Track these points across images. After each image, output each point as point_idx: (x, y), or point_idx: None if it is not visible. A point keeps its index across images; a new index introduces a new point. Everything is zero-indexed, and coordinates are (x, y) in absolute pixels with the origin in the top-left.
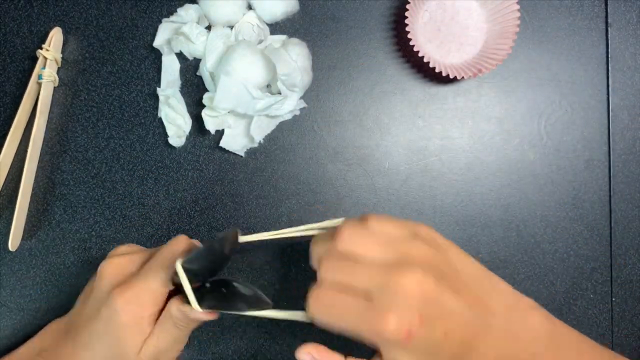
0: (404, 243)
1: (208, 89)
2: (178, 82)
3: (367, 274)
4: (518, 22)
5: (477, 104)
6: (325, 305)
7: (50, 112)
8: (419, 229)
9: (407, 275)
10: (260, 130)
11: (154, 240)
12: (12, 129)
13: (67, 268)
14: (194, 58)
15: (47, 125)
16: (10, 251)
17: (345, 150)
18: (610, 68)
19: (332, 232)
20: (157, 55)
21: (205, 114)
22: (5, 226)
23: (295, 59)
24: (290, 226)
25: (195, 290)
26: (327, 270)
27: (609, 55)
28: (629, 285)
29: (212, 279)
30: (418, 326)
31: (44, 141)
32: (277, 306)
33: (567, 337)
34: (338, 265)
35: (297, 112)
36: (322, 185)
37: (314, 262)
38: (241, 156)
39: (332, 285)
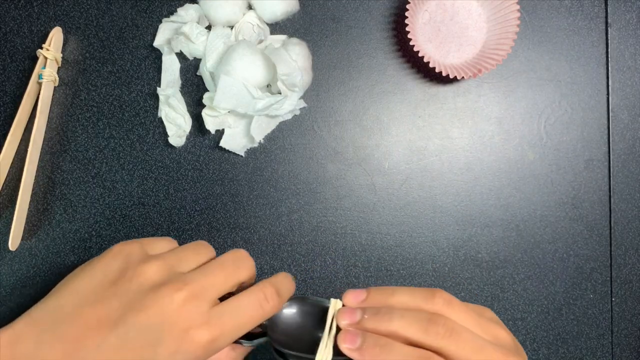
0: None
1: (208, 88)
2: (178, 82)
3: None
4: (518, 22)
5: (477, 104)
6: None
7: (51, 111)
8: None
9: None
10: (260, 130)
11: None
12: (12, 129)
13: (67, 268)
14: (194, 58)
15: (47, 125)
16: (10, 251)
17: (345, 150)
18: (610, 68)
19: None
20: (157, 55)
21: (205, 113)
22: (5, 226)
23: (295, 59)
24: (292, 228)
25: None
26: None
27: (609, 56)
28: (628, 285)
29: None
30: None
31: (44, 141)
32: None
33: None
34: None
35: (297, 112)
36: (322, 185)
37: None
38: (241, 156)
39: None
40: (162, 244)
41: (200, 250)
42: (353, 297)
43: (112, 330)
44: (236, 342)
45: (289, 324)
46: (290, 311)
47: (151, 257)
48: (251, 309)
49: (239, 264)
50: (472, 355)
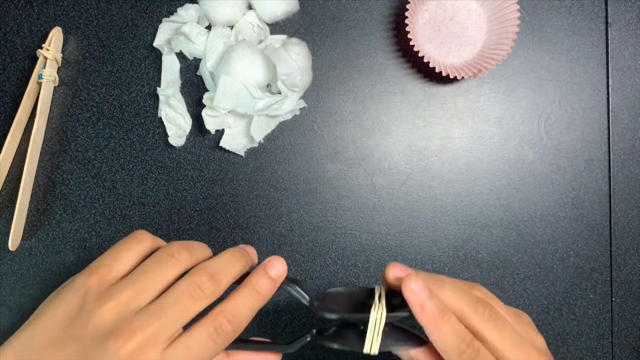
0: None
1: (208, 88)
2: (178, 82)
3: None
4: (518, 22)
5: (477, 104)
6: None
7: (50, 111)
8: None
9: None
10: (260, 130)
11: None
12: (12, 129)
13: (67, 268)
14: (194, 58)
15: (47, 125)
16: (10, 251)
17: (345, 150)
18: (610, 68)
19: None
20: (157, 55)
21: (205, 113)
22: (5, 226)
23: (295, 59)
24: (292, 228)
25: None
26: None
27: (609, 55)
28: (628, 285)
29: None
30: None
31: (44, 141)
32: (276, 305)
33: None
34: None
35: (297, 112)
36: (322, 185)
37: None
38: (241, 156)
39: None
40: (127, 255)
41: (163, 269)
42: (399, 267)
43: None
44: (282, 350)
45: (336, 298)
46: (336, 289)
47: (107, 294)
48: (202, 345)
49: (195, 293)
50: (511, 348)
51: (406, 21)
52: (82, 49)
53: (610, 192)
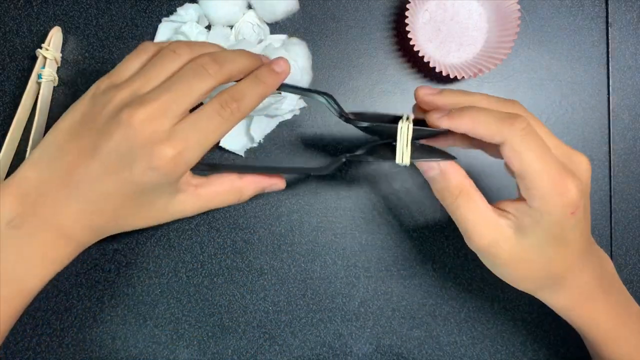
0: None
1: None
2: None
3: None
4: (518, 22)
5: None
6: (538, 143)
7: (50, 111)
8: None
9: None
10: (260, 130)
11: (153, 239)
12: (11, 129)
13: (66, 268)
14: None
15: (46, 125)
16: None
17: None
18: (610, 68)
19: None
20: None
21: None
22: None
23: (295, 59)
24: (292, 228)
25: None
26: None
27: (610, 55)
28: (629, 285)
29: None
30: (580, 208)
31: None
32: (276, 305)
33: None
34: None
35: (297, 112)
36: (322, 185)
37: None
38: (241, 156)
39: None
40: (134, 63)
41: (169, 62)
42: (426, 89)
43: (91, 158)
44: (319, 172)
45: (365, 116)
46: (365, 111)
47: (118, 86)
48: (210, 120)
49: (200, 71)
50: (531, 158)
51: (406, 21)
52: (82, 48)
53: (610, 192)
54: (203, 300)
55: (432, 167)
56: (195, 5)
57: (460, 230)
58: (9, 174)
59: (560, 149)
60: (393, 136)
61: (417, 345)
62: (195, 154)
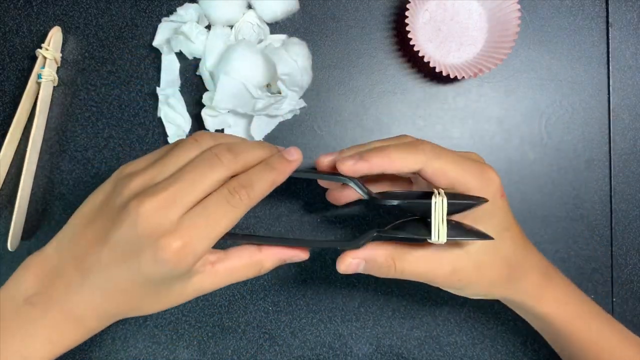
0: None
1: (208, 88)
2: (178, 82)
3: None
4: (518, 21)
5: (477, 104)
6: (448, 155)
7: (50, 111)
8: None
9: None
10: (260, 130)
11: None
12: (11, 129)
13: None
14: (194, 57)
15: (46, 125)
16: (9, 251)
17: None
18: (610, 68)
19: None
20: (157, 54)
21: (205, 113)
22: (4, 226)
23: (295, 59)
24: (292, 228)
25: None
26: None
27: (610, 55)
28: (629, 285)
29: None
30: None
31: (43, 141)
32: (276, 305)
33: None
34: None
35: (297, 112)
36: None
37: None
38: None
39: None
40: (162, 151)
41: (185, 151)
42: (326, 157)
43: (102, 245)
44: (348, 246)
45: (393, 194)
46: (393, 190)
47: (135, 173)
48: (218, 209)
49: (213, 160)
50: (450, 166)
51: (406, 21)
52: (82, 48)
53: (611, 192)
54: (203, 300)
55: (356, 264)
56: (195, 5)
57: (426, 283)
58: (8, 173)
59: (457, 152)
60: (425, 213)
61: (417, 345)
62: (203, 245)
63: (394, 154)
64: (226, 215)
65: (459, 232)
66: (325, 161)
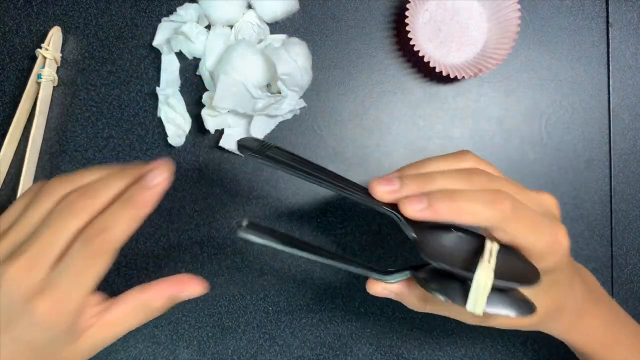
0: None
1: (208, 88)
2: (178, 82)
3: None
4: (519, 21)
5: (477, 103)
6: (526, 215)
7: (50, 111)
8: None
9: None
10: (260, 130)
11: (153, 239)
12: (11, 129)
13: None
14: (194, 57)
15: (46, 125)
16: None
17: (345, 150)
18: (611, 68)
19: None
20: (157, 54)
21: (205, 113)
22: None
23: (295, 59)
24: (291, 228)
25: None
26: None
27: (610, 55)
28: (629, 285)
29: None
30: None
31: (43, 141)
32: (276, 305)
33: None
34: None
35: (297, 112)
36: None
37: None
38: (241, 156)
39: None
40: (18, 207)
41: (40, 205)
42: (382, 184)
43: None
44: (380, 278)
45: (442, 239)
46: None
47: (2, 233)
48: (79, 261)
49: (69, 209)
50: (524, 231)
51: (406, 21)
52: (82, 48)
53: (611, 192)
54: (203, 300)
55: (386, 294)
56: (195, 5)
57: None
58: (8, 173)
59: (531, 199)
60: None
61: (417, 345)
62: (74, 301)
63: (466, 205)
64: (89, 265)
65: (500, 300)
66: (380, 191)
